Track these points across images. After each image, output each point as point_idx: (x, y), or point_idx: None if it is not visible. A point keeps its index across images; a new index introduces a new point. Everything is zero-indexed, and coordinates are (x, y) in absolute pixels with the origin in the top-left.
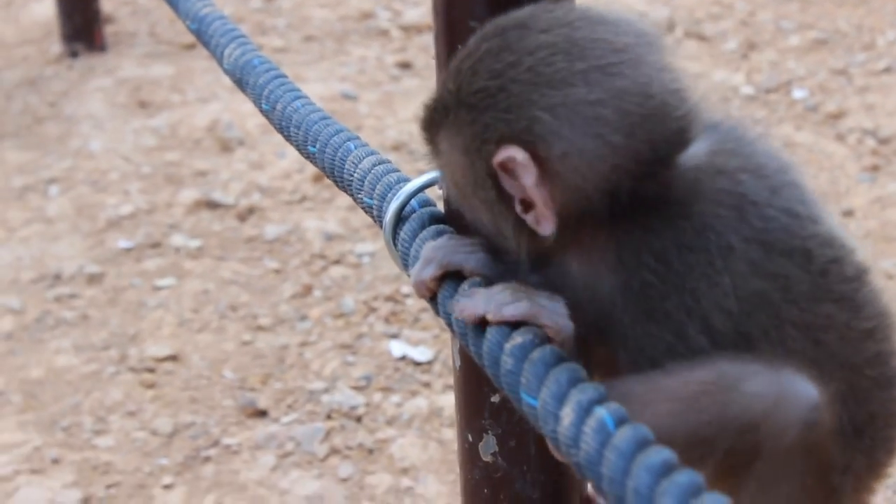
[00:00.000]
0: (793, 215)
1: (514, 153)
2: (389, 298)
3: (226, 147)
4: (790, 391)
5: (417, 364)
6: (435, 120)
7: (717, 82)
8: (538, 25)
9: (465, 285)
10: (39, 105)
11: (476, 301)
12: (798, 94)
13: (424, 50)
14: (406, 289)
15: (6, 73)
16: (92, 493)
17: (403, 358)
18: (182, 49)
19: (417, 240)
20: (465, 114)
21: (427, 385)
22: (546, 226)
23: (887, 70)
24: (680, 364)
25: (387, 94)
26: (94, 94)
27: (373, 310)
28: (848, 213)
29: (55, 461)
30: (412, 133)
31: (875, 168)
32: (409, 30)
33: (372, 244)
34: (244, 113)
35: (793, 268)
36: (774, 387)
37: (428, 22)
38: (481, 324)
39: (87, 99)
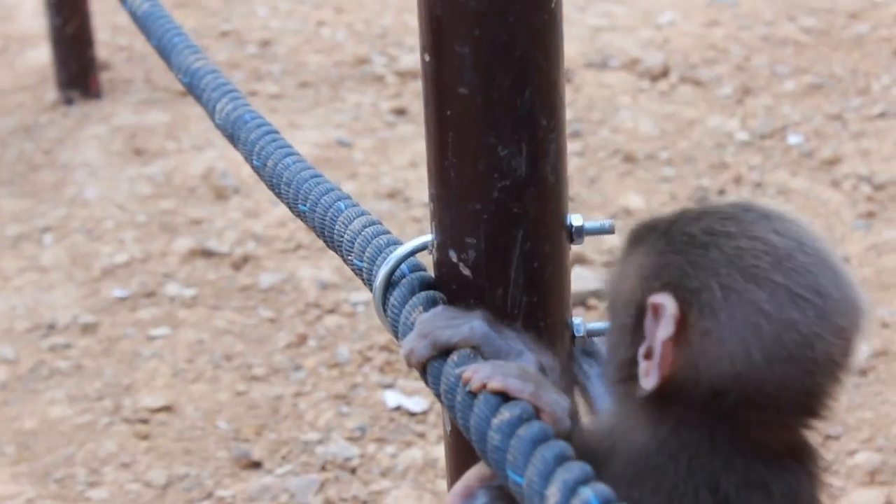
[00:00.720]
0: None
1: (668, 302)
2: (384, 348)
3: (221, 195)
4: None
5: (412, 414)
6: (640, 234)
7: (712, 128)
8: (777, 226)
9: (454, 356)
10: (34, 152)
11: (484, 368)
12: (793, 139)
13: (420, 96)
14: None
15: (1, 120)
16: None
17: (398, 408)
18: (177, 96)
19: (407, 306)
20: (662, 243)
21: (422, 436)
22: (649, 380)
23: (882, 115)
24: None
25: (382, 140)
26: (90, 142)
27: (367, 359)
28: (843, 261)
29: None
30: (407, 180)
31: (870, 215)
32: (405, 75)
33: (366, 293)
34: (239, 161)
35: None
36: None
37: None
38: (471, 395)
39: (83, 146)
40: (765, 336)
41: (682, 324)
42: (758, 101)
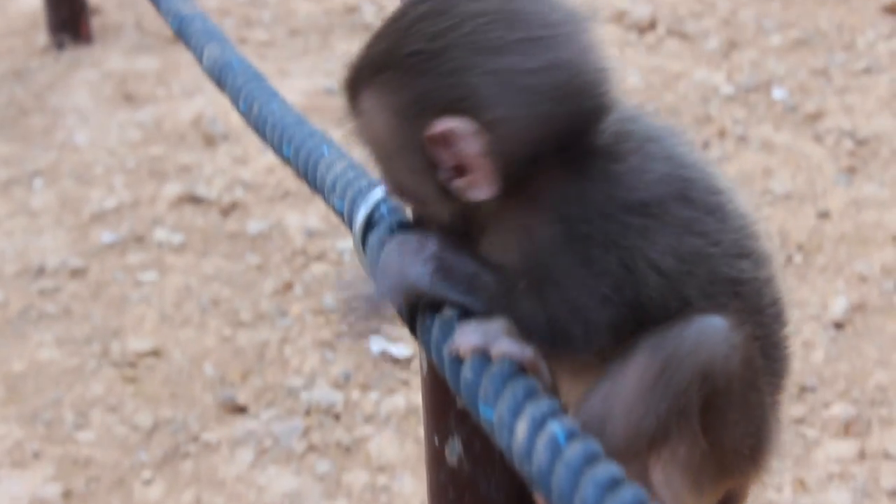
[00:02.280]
0: (706, 171)
1: (456, 123)
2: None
3: (210, 141)
4: (707, 331)
5: (396, 361)
6: (361, 78)
7: (698, 81)
8: None
9: (438, 320)
10: (25, 97)
11: (469, 334)
12: (778, 93)
13: None
14: None
15: None
16: (72, 487)
17: (382, 355)
18: (167, 42)
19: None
20: (399, 76)
21: (405, 383)
22: (484, 190)
23: (866, 71)
24: (615, 362)
25: None
26: (80, 87)
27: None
28: (824, 215)
29: (36, 455)
30: None
31: (852, 170)
32: None
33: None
34: (228, 107)
35: (717, 224)
36: (695, 336)
37: None
38: (444, 332)
39: (73, 91)
40: (542, 89)
41: (476, 129)
42: (743, 55)
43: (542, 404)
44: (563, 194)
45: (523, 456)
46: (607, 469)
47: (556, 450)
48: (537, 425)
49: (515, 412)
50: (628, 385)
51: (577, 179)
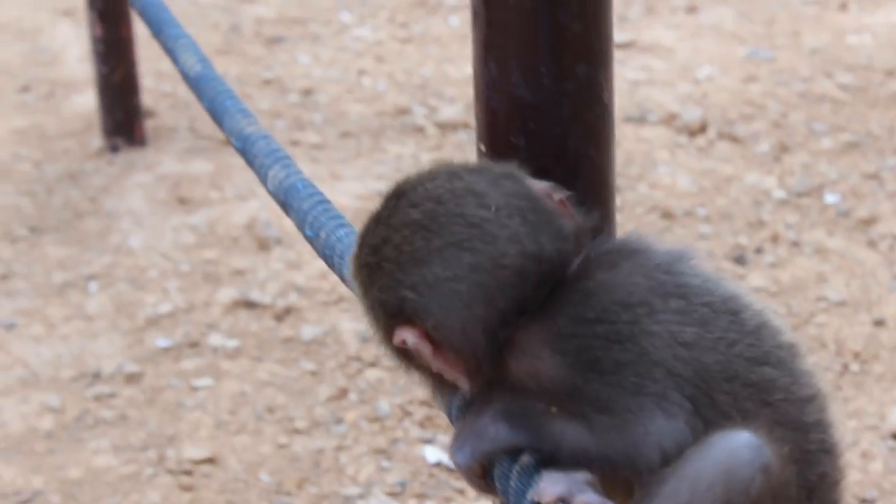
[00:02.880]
0: (701, 277)
1: (405, 335)
2: (424, 403)
3: (263, 246)
4: (734, 451)
5: (452, 470)
6: (352, 270)
7: (750, 185)
8: (411, 198)
9: (517, 467)
10: (80, 200)
11: (554, 483)
12: (830, 198)
13: (460, 147)
14: None
15: (47, 167)
16: None
17: (438, 464)
18: (221, 144)
19: None
20: (359, 284)
21: (461, 492)
22: (467, 384)
23: None
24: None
25: None
26: (135, 190)
27: (408, 414)
28: (879, 323)
29: None
30: None
31: None
32: (445, 127)
33: None
34: (281, 212)
35: (723, 321)
36: (724, 459)
37: (464, 119)
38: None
39: (128, 195)
40: (465, 292)
41: (427, 336)
42: (795, 158)
43: None
44: (546, 331)
45: None
46: None
47: None
48: None
49: None
50: None
51: (550, 312)
